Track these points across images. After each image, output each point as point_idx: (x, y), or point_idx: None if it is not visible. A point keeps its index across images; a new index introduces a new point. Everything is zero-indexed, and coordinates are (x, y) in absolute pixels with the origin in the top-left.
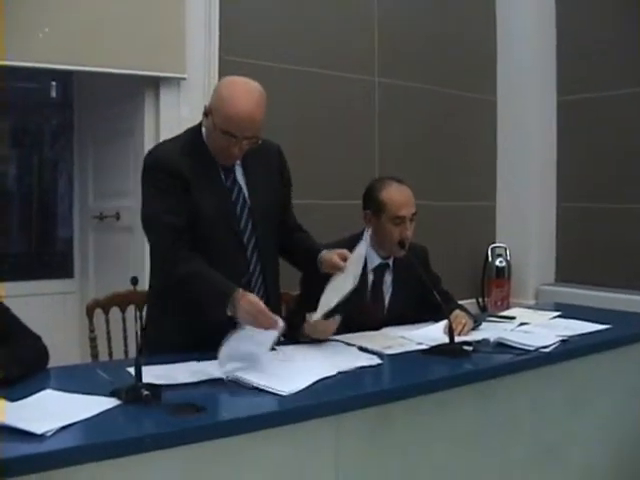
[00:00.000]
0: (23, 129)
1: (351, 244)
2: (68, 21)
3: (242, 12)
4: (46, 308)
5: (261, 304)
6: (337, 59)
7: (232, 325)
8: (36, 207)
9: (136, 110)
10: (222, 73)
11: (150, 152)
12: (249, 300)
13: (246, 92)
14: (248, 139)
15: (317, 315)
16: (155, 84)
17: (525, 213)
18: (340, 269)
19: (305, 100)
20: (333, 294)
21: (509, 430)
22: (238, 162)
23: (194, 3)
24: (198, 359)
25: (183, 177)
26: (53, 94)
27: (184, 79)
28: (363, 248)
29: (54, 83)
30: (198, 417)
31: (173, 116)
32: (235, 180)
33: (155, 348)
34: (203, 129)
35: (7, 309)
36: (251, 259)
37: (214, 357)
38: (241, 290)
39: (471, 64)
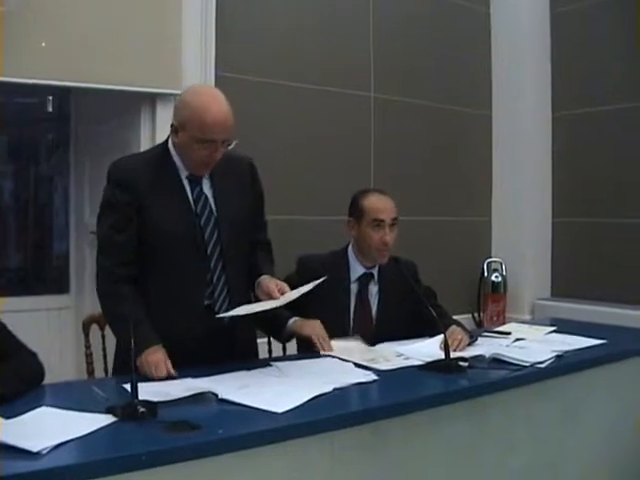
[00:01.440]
0: (19, 143)
1: (332, 259)
2: (65, 37)
3: (238, 29)
4: (42, 324)
5: (166, 360)
6: (333, 75)
7: (209, 340)
8: (32, 222)
9: (133, 125)
10: (218, 89)
11: (112, 163)
12: (158, 351)
13: (214, 98)
14: (225, 142)
15: (230, 313)
16: (151, 100)
17: (521, 228)
18: (273, 299)
19: (301, 116)
20: (256, 306)
21: (505, 446)
22: (205, 175)
23: (190, 20)
24: (194, 376)
25: (135, 191)
26: (49, 109)
27: (180, 95)
28: (306, 289)
29: (50, 98)
30: (193, 434)
31: (169, 131)
32: (202, 191)
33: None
34: (170, 145)
35: (4, 326)
36: (215, 270)
37: (209, 374)
38: (159, 346)
39: (466, 79)
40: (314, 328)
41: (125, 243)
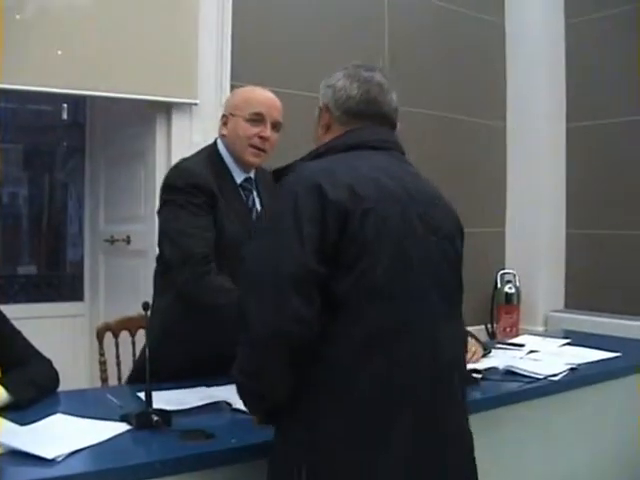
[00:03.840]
0: (34, 151)
1: None
2: (81, 46)
3: (253, 39)
4: (56, 331)
5: None
6: None
7: (230, 350)
8: (46, 229)
9: (148, 134)
10: None
11: (177, 167)
12: None
13: (261, 89)
14: (274, 125)
15: None
16: (167, 109)
17: (534, 239)
18: None
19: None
20: None
21: (518, 459)
22: (253, 185)
23: (206, 30)
24: (208, 385)
25: (214, 195)
26: (64, 116)
27: (196, 104)
28: None
29: (65, 105)
30: (207, 443)
31: (184, 140)
32: (254, 201)
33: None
34: (220, 146)
35: (19, 333)
36: None
37: (223, 383)
38: None
39: (480, 90)
40: None
41: (212, 244)
